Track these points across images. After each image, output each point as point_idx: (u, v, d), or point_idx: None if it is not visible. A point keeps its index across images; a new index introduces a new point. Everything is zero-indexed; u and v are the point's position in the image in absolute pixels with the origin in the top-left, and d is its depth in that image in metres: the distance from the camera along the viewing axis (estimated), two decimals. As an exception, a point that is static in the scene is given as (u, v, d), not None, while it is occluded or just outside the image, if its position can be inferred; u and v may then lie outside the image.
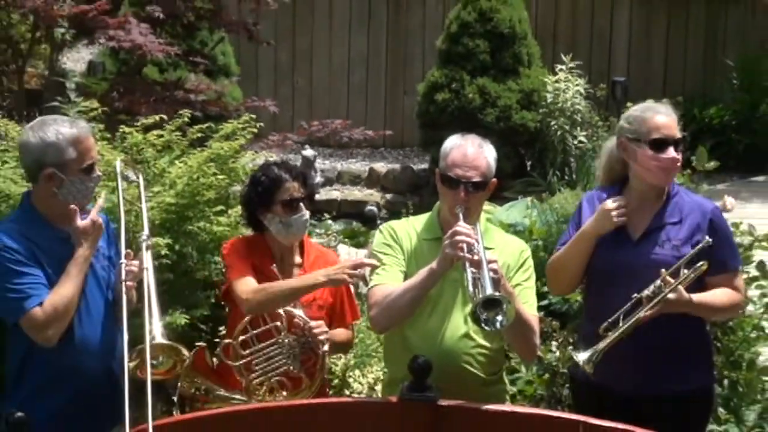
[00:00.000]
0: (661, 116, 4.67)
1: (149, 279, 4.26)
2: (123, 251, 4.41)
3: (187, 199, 5.88)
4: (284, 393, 4.70)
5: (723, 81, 12.36)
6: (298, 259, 4.88)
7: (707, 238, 4.54)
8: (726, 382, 6.11)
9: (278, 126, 10.48)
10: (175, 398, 4.84)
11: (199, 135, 6.52)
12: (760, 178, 11.63)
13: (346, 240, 9.87)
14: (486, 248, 4.40)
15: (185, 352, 4.24)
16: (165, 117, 6.65)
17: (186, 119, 6.62)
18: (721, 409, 5.99)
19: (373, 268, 4.56)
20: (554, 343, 5.96)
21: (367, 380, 6.04)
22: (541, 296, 5.41)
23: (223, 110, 8.88)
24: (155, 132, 6.34)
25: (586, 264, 4.64)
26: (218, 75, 10.82)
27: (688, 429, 4.70)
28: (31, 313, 4.28)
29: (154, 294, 4.22)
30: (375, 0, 12.93)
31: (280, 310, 4.68)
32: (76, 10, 8.46)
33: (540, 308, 5.79)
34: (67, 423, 4.36)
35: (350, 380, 6.02)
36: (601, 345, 4.45)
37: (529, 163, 11.44)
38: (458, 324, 4.46)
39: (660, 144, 4.62)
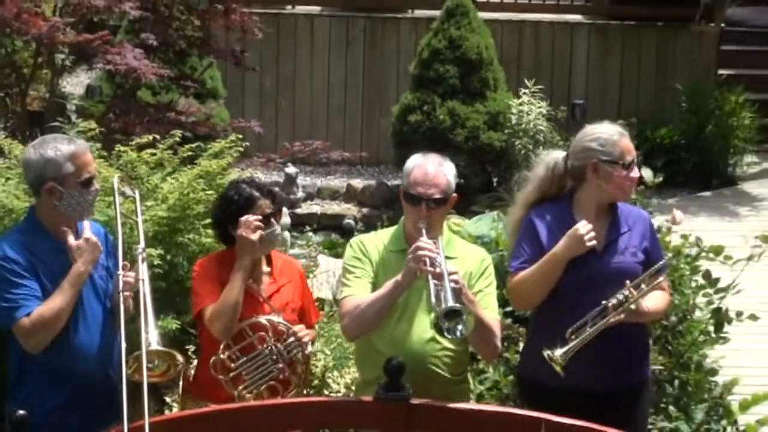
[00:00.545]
0: (627, 139, 4.75)
1: (145, 289, 4.26)
2: (120, 263, 4.41)
3: (178, 212, 5.88)
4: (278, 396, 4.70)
5: (672, 104, 12.40)
6: (266, 269, 4.86)
7: (668, 254, 4.66)
8: (676, 382, 6.13)
9: (263, 146, 10.46)
10: (167, 398, 4.84)
11: (189, 153, 6.53)
12: (707, 194, 11.67)
13: (326, 251, 9.86)
14: (448, 257, 4.42)
15: (179, 357, 4.26)
16: (158, 137, 6.66)
17: (177, 139, 6.63)
18: (671, 408, 6.01)
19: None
20: (520, 345, 5.97)
21: (344, 380, 6.04)
22: (506, 302, 5.40)
23: (211, 131, 8.85)
24: (148, 150, 6.35)
25: (555, 281, 4.64)
26: (207, 98, 10.79)
27: (636, 419, 4.76)
28: (19, 322, 4.28)
29: (150, 303, 4.22)
30: (353, 30, 12.92)
31: (264, 320, 4.67)
32: (80, 38, 8.44)
33: (506, 314, 5.81)
34: (65, 422, 4.34)
35: (329, 381, 6.01)
36: (572, 345, 4.49)
37: (495, 180, 11.45)
38: (425, 328, 4.46)
39: (631, 164, 4.69)
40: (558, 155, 4.82)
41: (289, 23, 12.90)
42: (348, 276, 4.58)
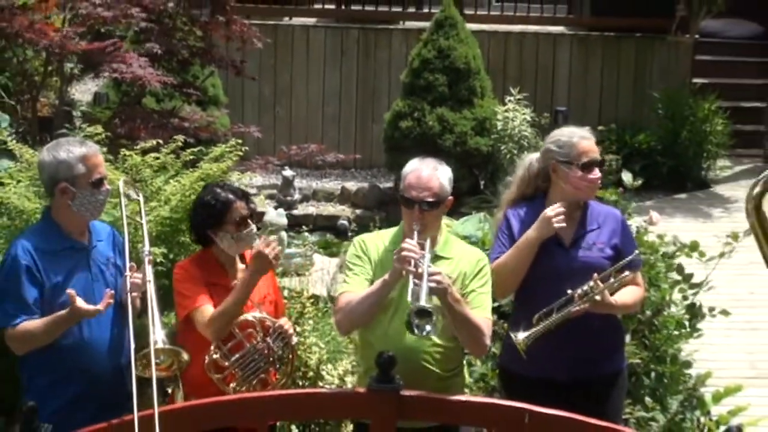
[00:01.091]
0: (587, 141, 4.74)
1: (151, 291, 4.27)
2: (127, 264, 4.42)
3: (180, 213, 5.87)
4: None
5: (650, 111, 12.40)
6: (241, 265, 4.81)
7: (636, 251, 4.64)
8: (653, 374, 6.14)
9: (261, 150, 10.46)
10: (169, 390, 4.83)
11: (191, 157, 6.53)
12: (682, 196, 11.68)
13: (321, 250, 9.86)
14: (444, 258, 4.43)
15: (185, 355, 4.27)
16: (161, 141, 6.66)
17: (179, 143, 6.63)
18: (648, 398, 6.02)
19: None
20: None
21: (338, 372, 6.02)
22: (493, 299, 5.41)
23: (212, 136, 8.85)
24: (152, 154, 6.35)
25: (528, 267, 4.64)
26: (209, 105, 10.77)
27: (611, 408, 4.76)
28: (9, 330, 4.34)
29: (156, 305, 4.23)
30: (347, 41, 12.92)
31: (251, 317, 4.64)
32: (92, 46, 8.45)
33: (493, 311, 5.80)
34: (78, 413, 4.33)
35: (323, 373, 6.00)
36: (536, 329, 4.52)
37: (482, 183, 11.44)
38: None
39: (588, 166, 4.68)
40: (533, 157, 4.87)
41: (287, 34, 12.90)
42: (347, 273, 4.59)
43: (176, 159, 6.45)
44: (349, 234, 10.86)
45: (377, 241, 4.64)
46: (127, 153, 6.30)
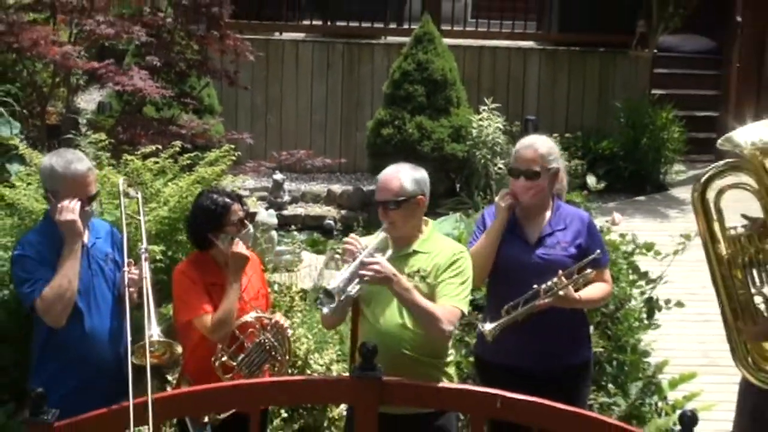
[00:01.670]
0: (524, 150, 4.76)
1: (147, 286, 4.25)
2: (125, 260, 4.41)
3: (178, 213, 5.88)
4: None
5: (612, 120, 12.44)
6: None
7: (598, 251, 4.63)
8: (614, 363, 6.16)
9: (254, 155, 10.44)
10: (169, 377, 4.82)
11: (188, 162, 6.53)
12: (642, 198, 11.72)
13: (309, 248, 9.86)
14: (420, 253, 4.48)
15: (178, 347, 4.26)
16: (160, 147, 6.66)
17: (177, 149, 6.64)
18: (610, 385, 6.05)
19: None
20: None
21: (324, 361, 6.02)
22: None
23: (208, 142, 8.83)
24: (152, 159, 6.35)
25: (494, 256, 4.65)
26: (204, 113, 10.74)
27: (578, 396, 4.77)
28: (37, 302, 4.27)
29: (151, 298, 4.22)
30: (332, 55, 12.91)
31: (250, 319, 4.63)
32: (88, 66, 8.47)
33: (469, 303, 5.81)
34: (82, 398, 4.31)
35: (311, 362, 6.00)
36: (502, 321, 4.52)
37: (458, 186, 11.44)
38: (393, 314, 4.45)
39: (514, 173, 4.71)
40: None
41: (277, 48, 12.89)
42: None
43: (174, 163, 6.46)
44: (335, 233, 10.86)
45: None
46: (129, 158, 6.31)
